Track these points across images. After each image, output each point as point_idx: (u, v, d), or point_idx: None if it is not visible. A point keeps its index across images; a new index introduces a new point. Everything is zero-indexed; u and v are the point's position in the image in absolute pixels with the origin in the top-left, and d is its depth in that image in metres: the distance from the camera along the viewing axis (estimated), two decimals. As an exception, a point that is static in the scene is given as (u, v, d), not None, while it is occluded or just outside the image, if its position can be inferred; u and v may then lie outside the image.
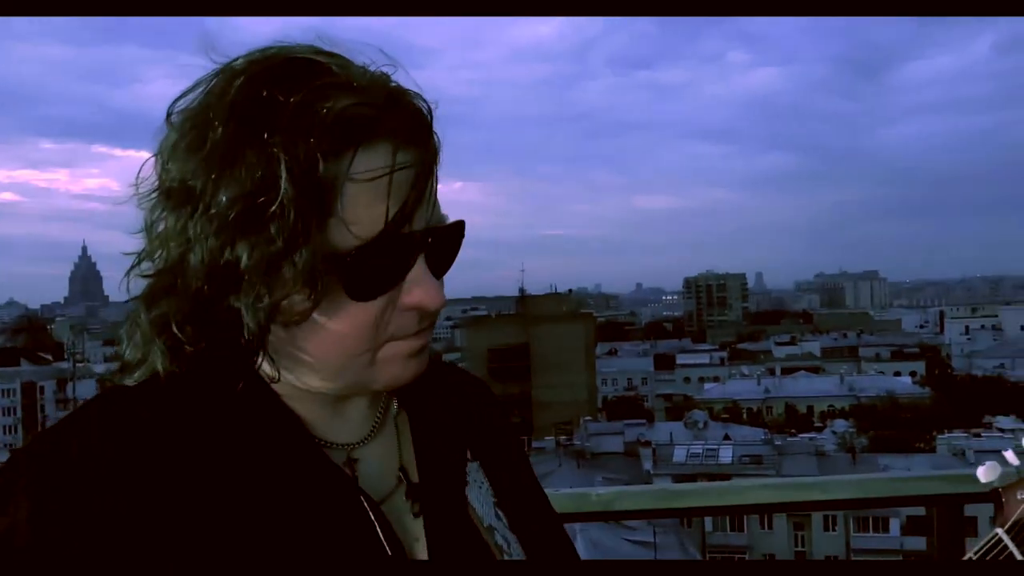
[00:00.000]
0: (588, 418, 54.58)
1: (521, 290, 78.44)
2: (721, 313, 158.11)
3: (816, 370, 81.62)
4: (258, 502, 0.73)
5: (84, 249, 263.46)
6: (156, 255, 0.73)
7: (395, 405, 0.88)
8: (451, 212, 0.78)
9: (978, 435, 46.49)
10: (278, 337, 0.73)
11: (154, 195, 0.74)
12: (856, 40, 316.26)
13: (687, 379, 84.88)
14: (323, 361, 0.75)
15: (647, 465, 42.17)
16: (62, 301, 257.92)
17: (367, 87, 0.72)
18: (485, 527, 0.86)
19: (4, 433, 73.00)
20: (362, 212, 0.70)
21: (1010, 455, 0.95)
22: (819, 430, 56.17)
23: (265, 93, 0.69)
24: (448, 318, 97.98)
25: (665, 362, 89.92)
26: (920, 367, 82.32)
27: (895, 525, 35.59)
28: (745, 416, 65.44)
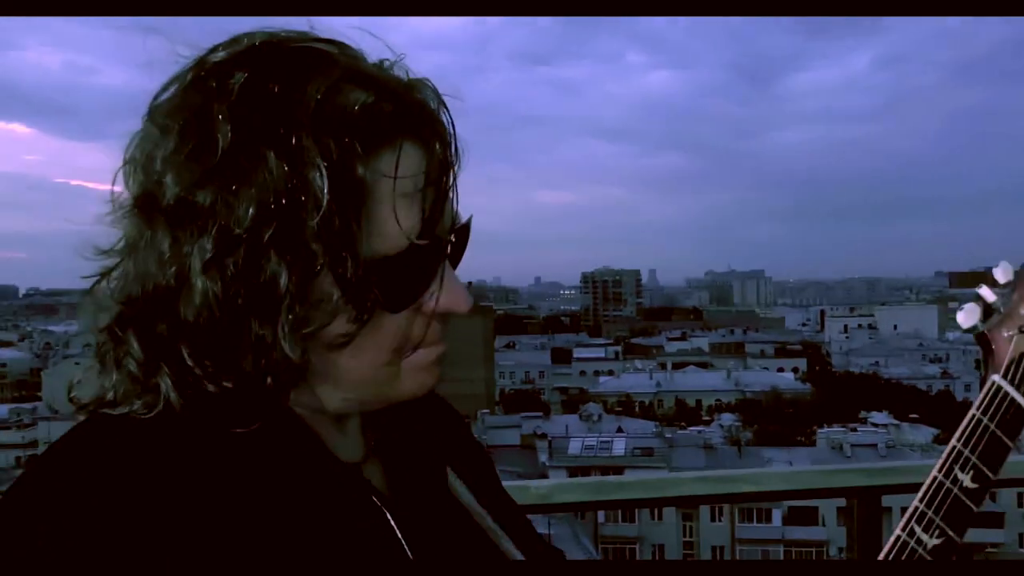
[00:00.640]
0: (485, 411, 54.67)
1: (420, 281, 77.52)
2: (616, 308, 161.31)
3: (705, 365, 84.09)
4: (301, 530, 0.66)
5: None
6: (135, 277, 0.64)
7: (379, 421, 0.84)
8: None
9: (854, 429, 49.05)
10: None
11: (127, 210, 0.65)
12: (747, 49, 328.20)
13: (583, 373, 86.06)
14: (350, 379, 0.70)
15: (543, 458, 42.59)
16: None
17: (386, 80, 0.67)
18: (476, 514, 0.86)
19: None
20: (399, 216, 0.65)
21: (986, 292, 0.90)
22: (707, 423, 57.91)
23: (276, 88, 0.62)
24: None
25: (562, 356, 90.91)
26: (802, 363, 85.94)
27: (777, 516, 37.08)
28: (638, 409, 66.94)
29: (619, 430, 49.31)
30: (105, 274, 0.67)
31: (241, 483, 0.65)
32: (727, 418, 58.39)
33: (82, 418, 0.68)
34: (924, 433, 51.52)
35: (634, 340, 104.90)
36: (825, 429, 49.98)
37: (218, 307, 0.61)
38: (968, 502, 0.85)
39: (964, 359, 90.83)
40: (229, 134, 0.60)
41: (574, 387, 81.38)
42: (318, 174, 0.60)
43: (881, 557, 0.85)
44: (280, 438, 0.69)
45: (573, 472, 35.87)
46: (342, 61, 0.66)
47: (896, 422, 52.99)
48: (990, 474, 0.86)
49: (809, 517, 35.72)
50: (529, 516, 0.97)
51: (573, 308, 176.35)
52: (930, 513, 0.85)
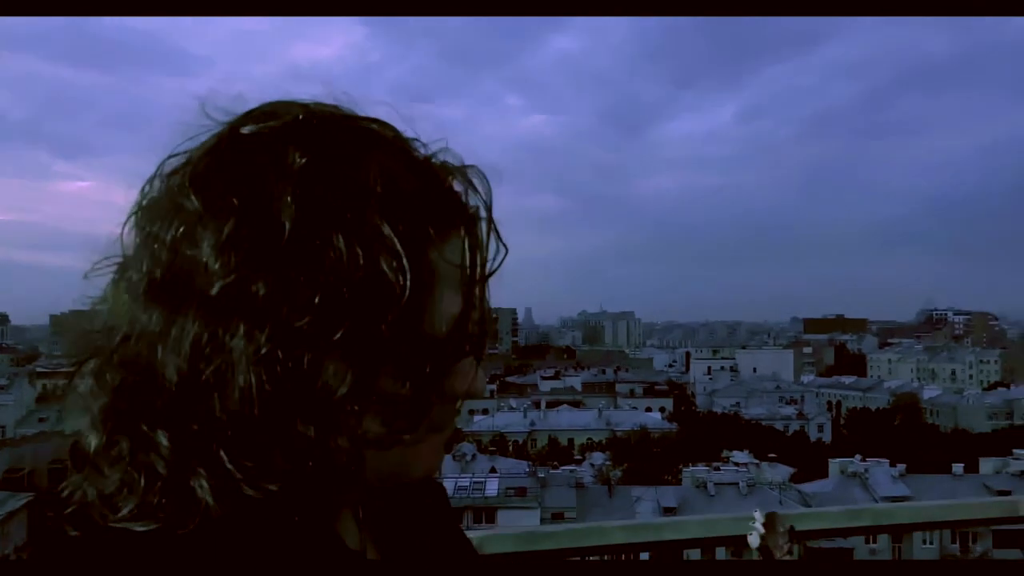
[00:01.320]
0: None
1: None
2: (492, 346, 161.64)
3: (578, 404, 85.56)
4: None
5: None
6: (147, 366, 0.57)
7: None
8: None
9: (718, 468, 50.91)
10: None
11: (141, 292, 0.58)
12: (620, 97, 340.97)
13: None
14: (376, 466, 0.64)
15: (416, 498, 41.99)
16: None
17: (443, 164, 0.65)
18: None
19: None
20: (448, 304, 0.62)
21: (759, 527, 1.28)
22: (579, 462, 58.75)
23: (339, 168, 0.58)
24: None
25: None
26: (669, 403, 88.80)
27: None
28: (511, 448, 67.20)
29: (492, 470, 49.33)
30: (91, 358, 0.60)
31: None
32: (598, 457, 59.44)
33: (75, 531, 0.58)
34: (782, 472, 54.11)
35: (509, 378, 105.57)
36: (690, 468, 51.58)
37: (261, 406, 0.55)
38: None
39: (817, 401, 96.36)
40: (294, 216, 0.56)
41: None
42: (395, 262, 0.57)
43: None
44: (299, 530, 0.62)
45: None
46: (397, 143, 0.64)
47: (756, 461, 55.42)
48: None
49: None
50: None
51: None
52: None
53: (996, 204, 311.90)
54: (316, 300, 0.55)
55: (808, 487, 48.09)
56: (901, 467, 50.98)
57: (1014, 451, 54.40)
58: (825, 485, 48.44)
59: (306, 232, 0.56)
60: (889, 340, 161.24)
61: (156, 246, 0.58)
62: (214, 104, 0.63)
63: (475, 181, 0.66)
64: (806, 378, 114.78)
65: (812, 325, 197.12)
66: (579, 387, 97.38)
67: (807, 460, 59.57)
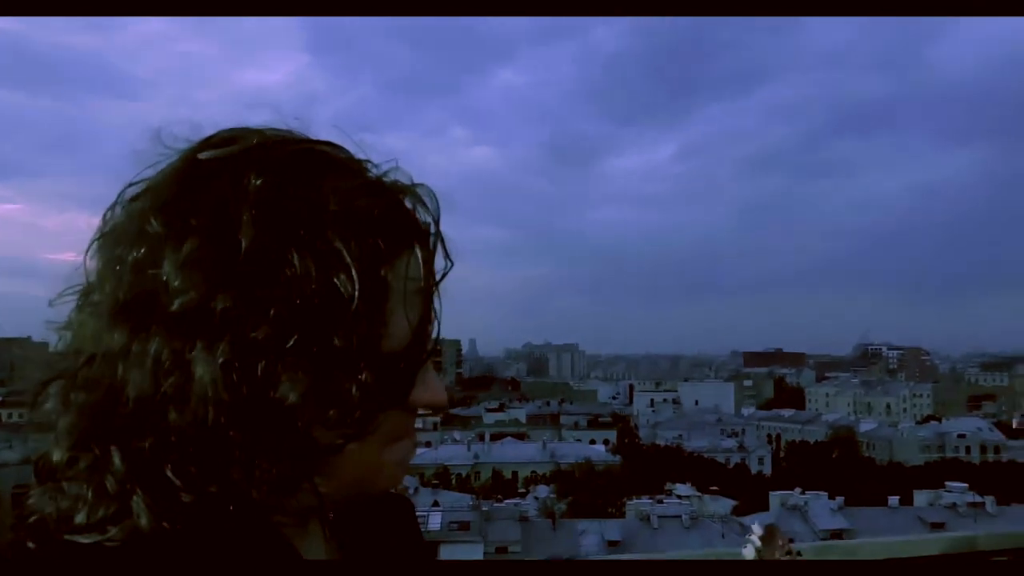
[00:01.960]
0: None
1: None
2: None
3: (522, 436, 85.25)
4: None
5: None
6: (110, 386, 0.59)
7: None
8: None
9: (661, 501, 51.07)
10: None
11: (106, 314, 0.60)
12: (564, 132, 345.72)
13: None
14: (337, 476, 0.66)
15: (357, 533, 41.13)
16: None
17: (395, 183, 0.68)
18: None
19: None
20: (402, 319, 0.65)
21: (755, 539, 1.28)
22: (523, 496, 58.37)
23: (295, 190, 0.61)
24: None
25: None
26: (612, 435, 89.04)
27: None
28: (454, 482, 66.46)
29: (435, 504, 48.66)
30: (55, 379, 0.63)
31: None
32: (542, 490, 59.14)
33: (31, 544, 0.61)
34: (723, 504, 54.52)
35: (453, 410, 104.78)
36: (634, 500, 51.66)
37: (215, 416, 0.58)
38: None
39: (757, 434, 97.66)
40: (253, 236, 0.58)
41: (390, 458, 79.57)
42: (348, 277, 0.60)
43: None
44: (249, 542, 0.63)
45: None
46: (352, 166, 0.67)
47: (698, 494, 55.79)
48: None
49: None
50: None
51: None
52: None
53: (926, 242, 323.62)
54: (272, 312, 0.57)
55: (749, 520, 48.43)
56: (840, 500, 51.78)
57: (946, 483, 55.77)
58: (766, 518, 48.88)
59: (263, 250, 0.58)
60: (826, 374, 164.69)
61: (119, 268, 0.60)
62: (169, 132, 0.65)
63: (425, 199, 0.69)
64: (746, 411, 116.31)
65: (752, 358, 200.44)
66: (524, 419, 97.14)
67: (748, 493, 60.15)
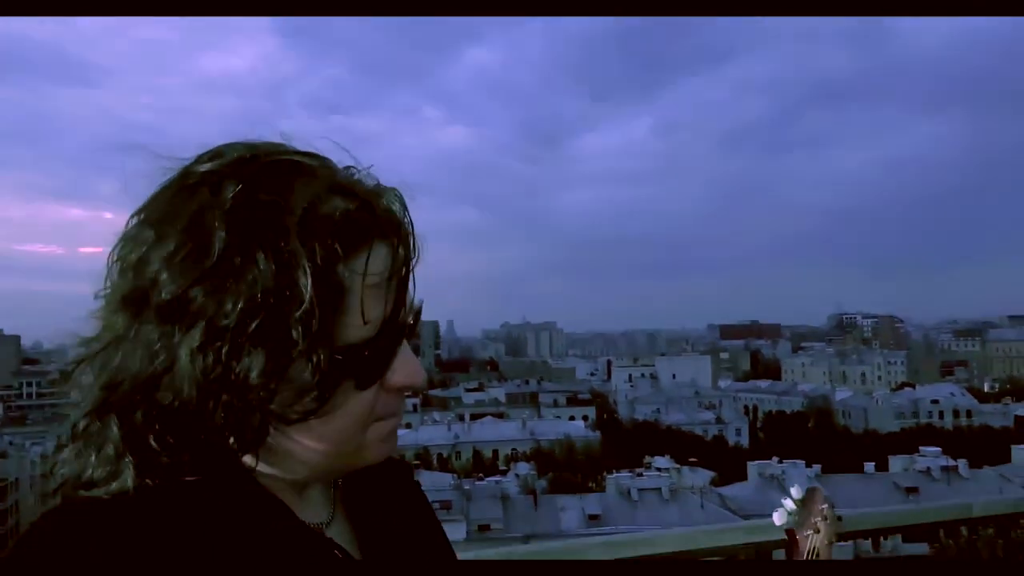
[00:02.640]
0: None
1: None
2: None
3: (501, 415, 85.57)
4: None
5: None
6: (119, 366, 0.72)
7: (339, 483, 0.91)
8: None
9: (640, 475, 51.43)
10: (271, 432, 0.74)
11: (115, 305, 0.73)
12: (538, 110, 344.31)
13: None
14: (318, 450, 0.77)
15: (338, 516, 41.10)
16: None
17: (360, 189, 0.76)
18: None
19: None
20: (369, 309, 0.73)
21: (788, 503, 1.16)
22: (503, 473, 58.59)
23: (264, 197, 0.71)
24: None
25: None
26: (591, 412, 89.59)
27: None
28: (435, 462, 66.69)
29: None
30: (82, 361, 0.75)
31: (206, 555, 0.72)
32: (523, 468, 59.43)
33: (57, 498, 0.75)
34: (702, 476, 55.04)
35: (432, 392, 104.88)
36: (614, 475, 52.01)
37: (195, 389, 0.69)
38: None
39: (735, 406, 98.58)
40: (224, 238, 0.69)
41: (371, 441, 79.49)
42: (303, 274, 0.69)
43: None
44: (245, 507, 0.76)
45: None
46: (321, 173, 0.75)
47: (677, 466, 56.26)
48: None
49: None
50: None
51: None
52: None
53: (899, 214, 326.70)
54: (238, 304, 0.68)
55: (728, 490, 49.02)
56: (816, 468, 52.49)
57: (920, 449, 56.70)
58: (744, 488, 49.48)
59: (233, 251, 0.69)
60: (802, 345, 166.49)
61: (123, 267, 0.74)
62: (172, 155, 0.77)
63: (392, 202, 0.78)
64: (723, 383, 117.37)
65: (728, 331, 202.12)
66: (503, 399, 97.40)
67: (726, 464, 60.82)
